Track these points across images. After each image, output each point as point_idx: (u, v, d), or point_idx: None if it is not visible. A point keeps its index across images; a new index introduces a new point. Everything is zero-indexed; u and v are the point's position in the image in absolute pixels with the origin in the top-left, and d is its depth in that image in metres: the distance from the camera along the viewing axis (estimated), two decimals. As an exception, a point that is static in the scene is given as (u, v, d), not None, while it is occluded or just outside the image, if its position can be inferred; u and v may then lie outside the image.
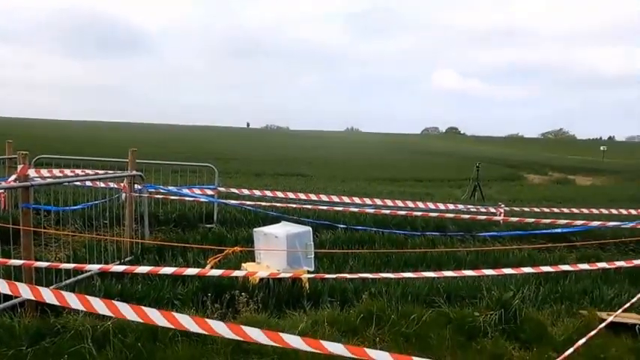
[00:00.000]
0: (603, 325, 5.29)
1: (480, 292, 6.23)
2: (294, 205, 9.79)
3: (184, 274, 5.20)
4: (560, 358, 4.56)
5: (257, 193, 10.34)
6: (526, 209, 10.91)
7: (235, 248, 7.12)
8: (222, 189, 10.20)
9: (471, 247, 8.70)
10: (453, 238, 9.56)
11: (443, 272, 5.63)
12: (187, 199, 9.78)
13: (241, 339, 3.26)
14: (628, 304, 5.75)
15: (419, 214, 9.44)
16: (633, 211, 10.31)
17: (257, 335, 3.17)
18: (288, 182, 19.84)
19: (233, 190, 10.27)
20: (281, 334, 3.20)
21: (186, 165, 13.19)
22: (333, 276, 5.67)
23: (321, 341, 3.19)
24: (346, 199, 10.10)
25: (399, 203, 9.99)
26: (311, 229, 6.75)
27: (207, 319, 3.42)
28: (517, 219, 9.75)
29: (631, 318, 5.75)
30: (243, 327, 3.29)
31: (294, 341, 3.16)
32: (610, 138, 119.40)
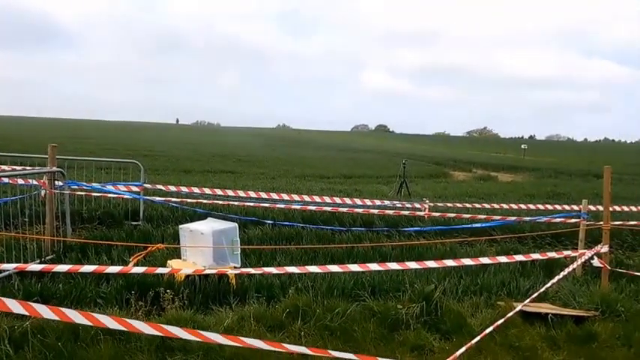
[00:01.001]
0: (512, 313, 5.52)
1: (403, 286, 6.39)
2: (222, 202, 9.72)
3: (106, 271, 5.07)
4: (473, 342, 4.75)
5: (184, 189, 10.17)
6: (449, 205, 11.25)
7: (159, 245, 7.00)
8: (148, 186, 9.98)
9: (396, 242, 8.89)
10: (379, 234, 9.74)
11: (368, 265, 5.75)
12: (111, 195, 9.50)
13: (161, 334, 3.22)
14: (535, 295, 6.03)
15: (345, 210, 9.57)
16: (549, 206, 10.81)
17: (177, 331, 3.14)
18: (218, 179, 19.61)
19: (159, 186, 10.05)
20: (200, 330, 3.19)
21: (110, 161, 12.81)
22: (259, 271, 5.68)
23: (240, 337, 3.20)
24: (275, 196, 10.10)
25: (327, 199, 10.08)
26: (237, 225, 6.72)
27: (126, 318, 3.35)
28: (439, 214, 10.03)
29: (544, 308, 6.04)
30: (163, 325, 3.25)
31: (214, 336, 3.15)
32: (531, 137, 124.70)
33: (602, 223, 6.94)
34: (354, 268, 5.69)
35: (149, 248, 6.91)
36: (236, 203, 9.72)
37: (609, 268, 6.85)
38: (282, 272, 5.59)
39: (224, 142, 52.04)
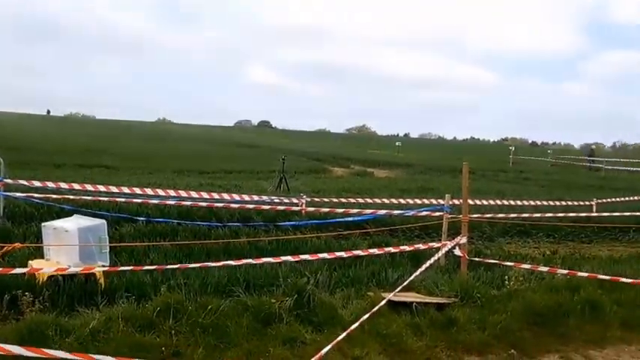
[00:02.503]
0: (381, 304, 5.76)
1: (277, 280, 6.46)
2: (92, 198, 9.28)
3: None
4: (344, 334, 4.92)
5: (51, 185, 9.59)
6: (326, 200, 11.52)
7: (16, 245, 6.56)
8: (9, 181, 9.30)
9: (273, 237, 8.97)
10: (257, 229, 9.78)
11: (242, 260, 5.77)
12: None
13: None
14: (402, 286, 6.34)
15: (220, 205, 9.50)
16: (418, 201, 11.40)
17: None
18: (91, 174, 18.69)
19: (22, 181, 9.41)
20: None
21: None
22: (128, 268, 5.50)
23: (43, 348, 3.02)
24: (149, 191, 9.80)
25: (204, 195, 9.96)
26: (105, 222, 6.45)
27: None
28: (314, 209, 10.24)
29: (410, 297, 6.36)
30: None
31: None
32: (406, 135, 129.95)
33: (462, 216, 7.43)
34: (228, 262, 5.69)
35: (5, 248, 6.45)
36: (106, 199, 9.32)
37: (468, 257, 7.35)
38: (152, 268, 5.44)
39: (99, 135, 49.45)
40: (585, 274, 6.91)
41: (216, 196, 10.05)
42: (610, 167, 37.85)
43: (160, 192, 9.85)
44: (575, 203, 12.96)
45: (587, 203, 12.87)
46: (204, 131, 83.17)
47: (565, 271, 6.76)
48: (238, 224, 9.67)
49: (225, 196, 10.22)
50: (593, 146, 53.52)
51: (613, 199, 13.92)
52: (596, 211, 12.45)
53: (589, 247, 11.33)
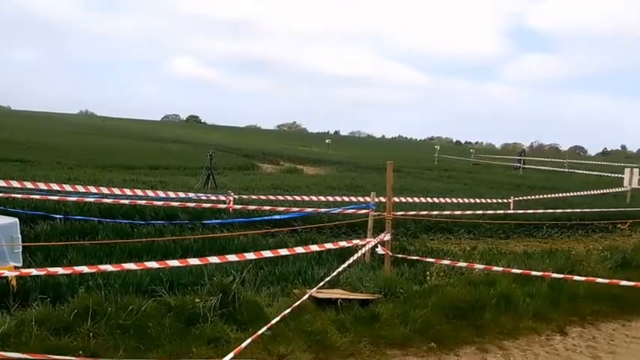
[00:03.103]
0: (304, 299, 5.79)
1: (202, 279, 6.35)
2: (3, 195, 8.82)
3: None
4: (264, 328, 4.91)
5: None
6: (254, 197, 11.46)
7: None
8: None
9: (199, 235, 8.84)
10: (182, 227, 9.61)
11: (167, 262, 5.66)
12: None
13: None
14: (325, 281, 6.41)
15: (143, 202, 9.27)
16: (346, 198, 11.54)
17: None
18: (4, 168, 17.79)
19: None
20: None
21: None
22: (42, 272, 5.26)
23: None
24: (68, 188, 9.42)
25: (127, 191, 9.67)
26: (18, 220, 6.15)
27: None
28: (241, 206, 10.18)
29: (335, 293, 6.44)
30: None
31: None
32: (336, 132, 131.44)
33: (386, 213, 7.58)
34: (151, 264, 5.56)
35: None
36: (20, 196, 8.88)
37: (391, 254, 7.51)
38: (68, 272, 5.23)
39: (15, 127, 47.05)
40: (500, 269, 7.21)
41: (139, 192, 9.79)
42: (527, 166, 39.67)
43: (80, 188, 9.48)
44: (494, 201, 13.50)
45: (505, 201, 13.43)
46: (129, 125, 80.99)
47: (482, 266, 7.02)
48: (163, 222, 9.46)
49: (150, 193, 9.97)
50: (523, 148, 55.78)
51: (528, 197, 14.57)
52: (513, 209, 13.01)
53: (506, 243, 11.80)
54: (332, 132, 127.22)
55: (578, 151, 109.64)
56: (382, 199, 9.45)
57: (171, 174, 21.41)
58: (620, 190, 19.86)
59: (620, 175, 23.75)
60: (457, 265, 7.39)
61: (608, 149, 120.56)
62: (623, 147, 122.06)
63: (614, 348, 6.45)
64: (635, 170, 21.57)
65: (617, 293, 7.37)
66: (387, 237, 7.41)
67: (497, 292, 6.95)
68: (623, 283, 5.84)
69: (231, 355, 4.53)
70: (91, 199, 9.15)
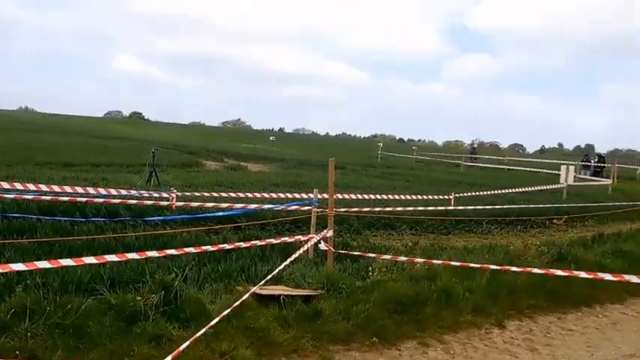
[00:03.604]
0: (246, 296, 5.83)
1: (144, 277, 6.30)
2: None
3: None
4: (207, 326, 4.92)
5: None
6: (197, 194, 11.38)
7: None
8: None
9: (140, 232, 8.73)
10: (125, 224, 9.46)
11: (105, 257, 5.57)
12: None
13: None
14: (268, 278, 6.46)
15: (84, 200, 9.08)
16: (290, 195, 11.59)
17: None
18: None
19: None
20: None
21: None
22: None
23: None
24: (6, 185, 9.09)
25: (67, 189, 9.42)
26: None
27: None
28: (184, 203, 10.10)
29: (278, 290, 6.49)
30: None
31: None
32: (280, 129, 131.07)
33: (328, 209, 7.68)
34: (90, 260, 5.47)
35: None
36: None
37: (334, 250, 7.62)
38: (6, 270, 5.09)
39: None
40: (440, 262, 7.41)
41: (80, 190, 9.56)
42: (468, 163, 40.74)
43: (18, 186, 9.18)
44: (436, 197, 13.81)
45: (446, 197, 13.76)
46: (71, 121, 78.60)
47: (422, 260, 7.20)
48: (104, 220, 9.29)
49: (91, 190, 9.75)
50: (475, 145, 57.06)
51: (469, 194, 14.97)
52: (454, 205, 13.35)
53: (447, 239, 12.09)
54: (276, 129, 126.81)
55: (517, 149, 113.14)
56: (325, 195, 9.54)
57: (114, 171, 20.93)
58: (556, 186, 20.52)
59: (557, 172, 24.66)
60: (399, 259, 7.54)
61: (546, 147, 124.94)
62: (560, 145, 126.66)
63: (550, 340, 6.73)
64: (571, 167, 22.50)
65: (554, 287, 7.68)
66: (330, 233, 7.51)
67: (438, 286, 7.11)
68: (558, 272, 6.09)
69: (169, 358, 4.49)
70: (30, 197, 8.87)
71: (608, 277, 5.40)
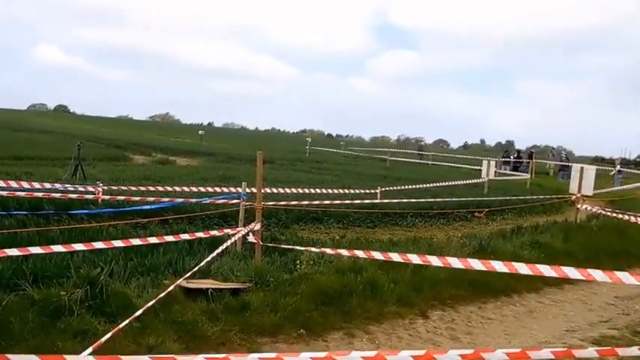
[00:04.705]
0: (171, 288, 5.84)
1: (69, 272, 6.21)
2: None
3: None
4: (131, 318, 4.94)
5: None
6: (124, 188, 11.21)
7: None
8: None
9: (65, 226, 8.54)
10: (49, 218, 9.22)
11: (29, 249, 5.49)
12: None
13: None
14: (189, 274, 6.46)
15: (5, 193, 8.81)
16: (218, 189, 11.60)
17: None
18: None
19: None
20: None
21: None
22: None
23: None
24: None
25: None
26: None
27: None
28: (110, 197, 9.95)
29: (206, 283, 6.55)
30: None
31: None
32: (210, 124, 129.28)
33: (256, 203, 7.79)
34: (13, 252, 5.38)
35: None
36: None
37: (262, 243, 7.72)
38: None
39: None
40: (363, 254, 7.62)
41: (1, 183, 9.25)
42: (394, 158, 41.73)
43: None
44: (362, 191, 14.14)
45: (372, 191, 14.10)
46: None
47: (346, 252, 7.37)
48: (26, 213, 9.02)
49: (13, 183, 9.45)
50: (422, 142, 58.15)
51: (394, 188, 15.37)
52: (380, 199, 13.70)
53: (373, 232, 12.38)
54: (205, 123, 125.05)
55: (441, 145, 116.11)
56: (254, 189, 9.63)
57: (38, 165, 20.20)
58: (478, 180, 21.28)
59: (478, 167, 25.64)
60: (325, 252, 7.71)
61: (469, 143, 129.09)
62: (482, 141, 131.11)
63: (471, 329, 7.05)
64: (492, 162, 23.49)
65: (474, 278, 7.95)
66: (258, 226, 7.61)
67: (364, 278, 7.27)
68: (475, 263, 6.37)
69: (89, 350, 4.46)
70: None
71: (523, 269, 5.68)
